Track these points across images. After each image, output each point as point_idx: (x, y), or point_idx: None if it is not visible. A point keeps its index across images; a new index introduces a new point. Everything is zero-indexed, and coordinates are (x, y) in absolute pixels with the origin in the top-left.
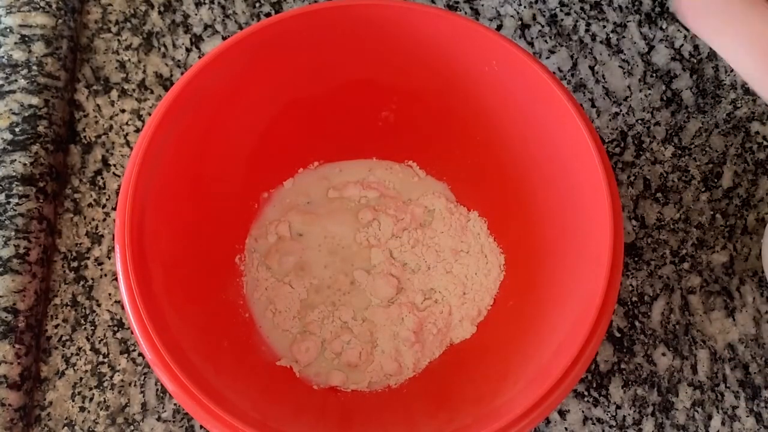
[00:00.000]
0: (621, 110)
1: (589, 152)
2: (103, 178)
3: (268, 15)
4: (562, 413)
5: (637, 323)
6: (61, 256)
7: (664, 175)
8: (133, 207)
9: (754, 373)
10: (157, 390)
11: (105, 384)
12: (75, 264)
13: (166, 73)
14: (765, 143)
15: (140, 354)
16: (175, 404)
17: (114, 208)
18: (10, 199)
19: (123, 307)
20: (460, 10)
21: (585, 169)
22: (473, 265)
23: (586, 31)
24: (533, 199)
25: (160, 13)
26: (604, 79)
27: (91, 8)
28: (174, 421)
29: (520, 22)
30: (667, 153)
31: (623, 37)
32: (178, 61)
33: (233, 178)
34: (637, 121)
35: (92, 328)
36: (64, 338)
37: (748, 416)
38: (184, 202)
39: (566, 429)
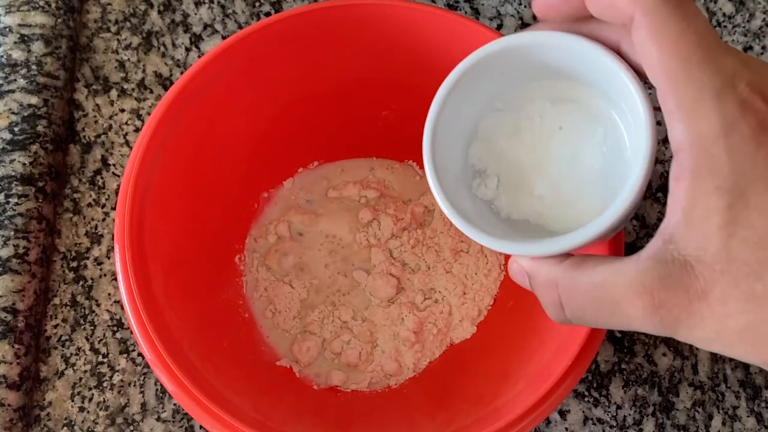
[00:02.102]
0: None
1: None
2: (102, 178)
3: (267, 14)
4: (563, 413)
5: None
6: (61, 256)
7: (665, 175)
8: (132, 207)
9: (755, 373)
10: (157, 390)
11: (104, 384)
12: (74, 264)
13: (165, 73)
14: None
15: (140, 354)
16: (174, 404)
17: (113, 208)
18: (10, 199)
19: (122, 307)
20: (460, 10)
21: None
22: (473, 265)
23: None
24: None
25: (159, 12)
26: None
27: (91, 7)
28: (173, 422)
29: (520, 22)
30: (667, 153)
31: None
32: (178, 60)
33: (233, 178)
34: None
35: (92, 328)
36: (63, 338)
37: (748, 416)
38: (183, 202)
39: (567, 429)
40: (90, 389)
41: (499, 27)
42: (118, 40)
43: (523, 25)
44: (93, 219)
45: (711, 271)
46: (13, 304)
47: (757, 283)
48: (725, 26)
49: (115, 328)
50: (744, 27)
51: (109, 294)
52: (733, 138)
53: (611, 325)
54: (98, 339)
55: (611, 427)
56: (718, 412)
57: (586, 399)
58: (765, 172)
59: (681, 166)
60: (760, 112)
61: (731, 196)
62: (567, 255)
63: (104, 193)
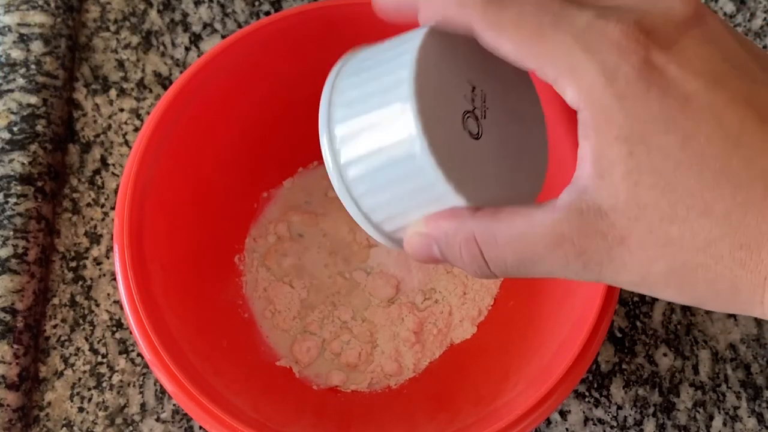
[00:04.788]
0: None
1: None
2: (101, 178)
3: (267, 13)
4: (563, 414)
5: (638, 323)
6: (60, 256)
7: None
8: (131, 207)
9: (756, 373)
10: (156, 390)
11: (104, 384)
12: (74, 264)
13: (165, 72)
14: None
15: (139, 354)
16: (174, 405)
17: (113, 208)
18: (9, 199)
19: (122, 307)
20: None
21: None
22: None
23: None
24: None
25: (159, 11)
26: None
27: (90, 7)
28: (173, 422)
29: None
30: None
31: None
32: (177, 60)
33: (232, 178)
34: None
35: (91, 328)
36: (62, 338)
37: (749, 417)
38: (183, 202)
39: (567, 430)
40: (89, 389)
41: None
42: (117, 39)
43: None
44: (92, 219)
45: (626, 218)
46: (12, 304)
47: (672, 227)
48: None
49: (114, 329)
50: (745, 26)
51: (109, 294)
52: (618, 84)
53: (535, 275)
54: (97, 339)
55: (612, 427)
56: (719, 413)
57: (586, 399)
58: (661, 111)
59: (584, 125)
60: (642, 47)
61: (630, 143)
62: (477, 207)
63: (103, 192)
